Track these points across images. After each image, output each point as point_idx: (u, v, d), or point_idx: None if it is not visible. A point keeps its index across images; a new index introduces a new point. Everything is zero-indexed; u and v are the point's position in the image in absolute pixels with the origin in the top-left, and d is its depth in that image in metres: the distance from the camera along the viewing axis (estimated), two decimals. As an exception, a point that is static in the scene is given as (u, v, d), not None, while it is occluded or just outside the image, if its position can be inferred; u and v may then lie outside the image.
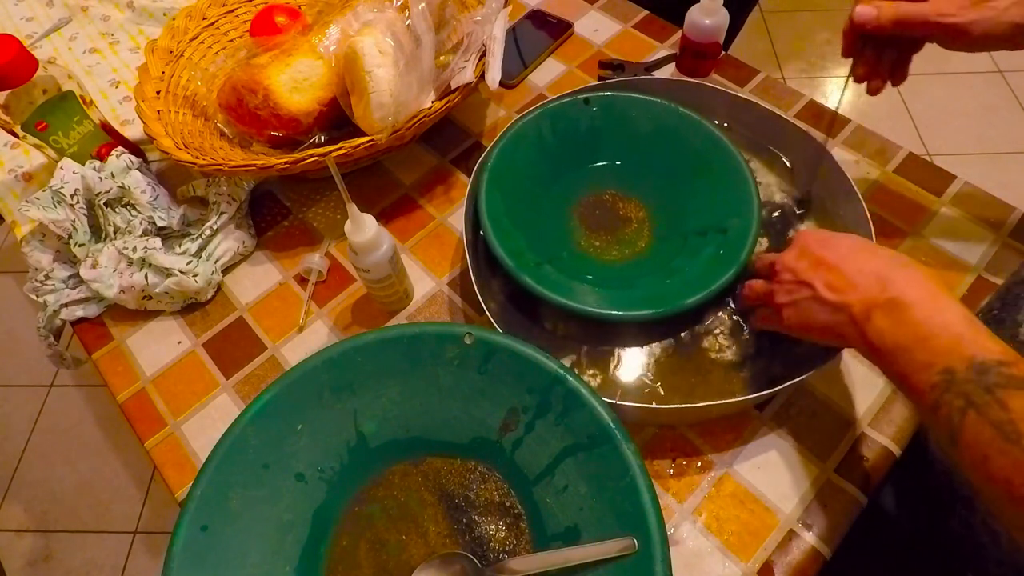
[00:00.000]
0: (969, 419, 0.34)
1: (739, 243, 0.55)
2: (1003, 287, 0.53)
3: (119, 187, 0.62)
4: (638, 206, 0.64)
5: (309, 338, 0.61)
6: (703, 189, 0.61)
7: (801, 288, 0.45)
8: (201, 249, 0.64)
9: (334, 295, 0.64)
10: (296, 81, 0.64)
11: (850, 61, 0.55)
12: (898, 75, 0.55)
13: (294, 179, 0.71)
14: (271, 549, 0.45)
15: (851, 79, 0.56)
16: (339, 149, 0.58)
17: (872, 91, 0.55)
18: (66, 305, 0.63)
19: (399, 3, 0.65)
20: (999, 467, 0.33)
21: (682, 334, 0.56)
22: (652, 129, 0.64)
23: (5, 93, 0.59)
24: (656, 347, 0.55)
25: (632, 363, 0.55)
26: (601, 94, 0.64)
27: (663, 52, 0.78)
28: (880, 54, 0.54)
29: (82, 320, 0.64)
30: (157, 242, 0.61)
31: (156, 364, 0.61)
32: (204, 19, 0.74)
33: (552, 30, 0.81)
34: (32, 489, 1.38)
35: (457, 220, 0.67)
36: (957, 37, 0.48)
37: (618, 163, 0.66)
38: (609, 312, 0.53)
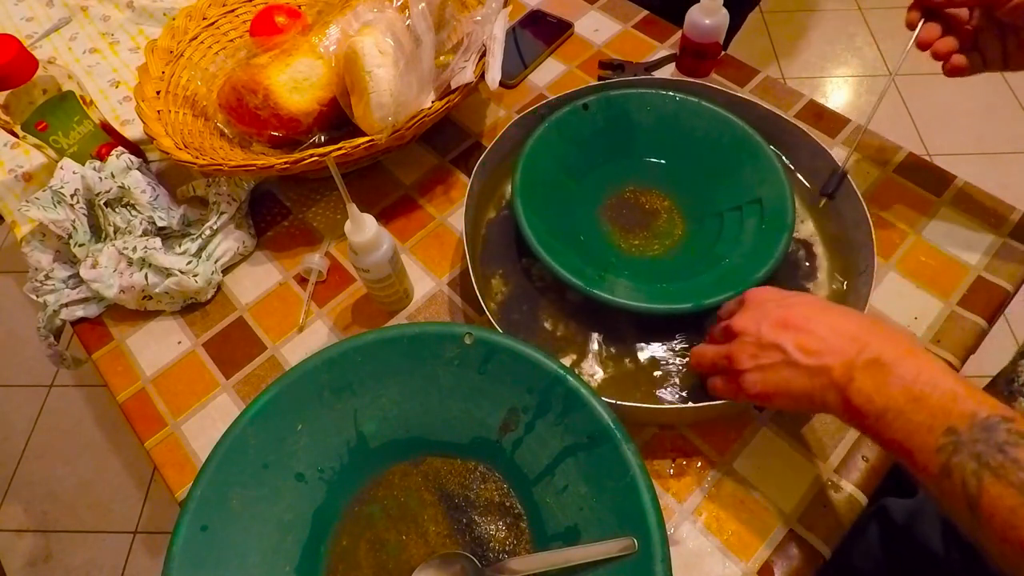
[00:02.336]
0: (987, 484, 0.31)
1: (780, 208, 0.56)
2: None
3: (119, 187, 0.62)
4: (660, 196, 0.64)
5: (309, 338, 0.61)
6: (721, 166, 0.62)
7: (769, 352, 0.41)
8: (201, 249, 0.64)
9: (334, 295, 0.64)
10: (296, 81, 0.64)
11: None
12: (954, 68, 0.51)
13: (294, 179, 0.71)
14: (271, 549, 0.45)
15: (912, 44, 0.53)
16: (339, 149, 0.58)
17: (934, 54, 0.51)
18: (66, 305, 0.63)
19: (399, 3, 0.65)
20: None
21: (678, 334, 0.56)
22: (654, 120, 0.64)
23: (5, 93, 0.59)
24: (655, 347, 0.56)
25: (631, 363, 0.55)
26: (597, 96, 0.64)
27: (663, 52, 0.78)
28: (946, 30, 0.51)
29: (82, 320, 0.64)
30: (157, 242, 0.61)
31: (156, 364, 0.61)
32: (204, 19, 0.74)
33: (552, 30, 0.81)
34: (32, 489, 1.38)
35: (457, 220, 0.67)
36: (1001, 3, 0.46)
37: (629, 159, 0.66)
38: (703, 303, 0.52)
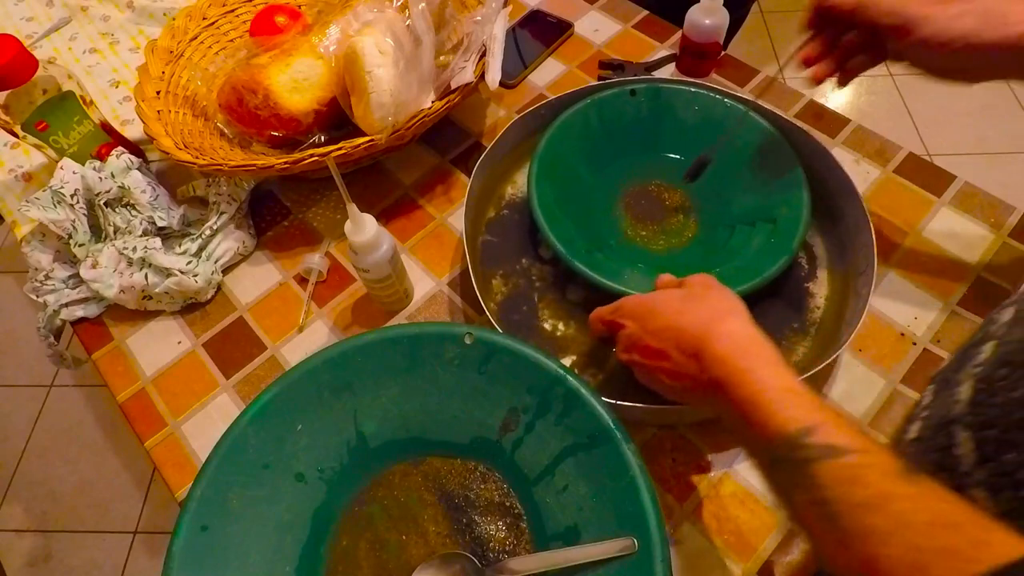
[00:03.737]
0: (798, 499, 0.32)
1: (790, 232, 0.56)
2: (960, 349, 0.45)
3: (119, 187, 0.62)
4: (684, 196, 0.64)
5: (309, 338, 0.61)
6: (750, 179, 0.62)
7: (650, 373, 0.44)
8: (201, 249, 0.64)
9: (334, 295, 0.64)
10: (296, 81, 0.64)
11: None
12: (844, 75, 0.52)
13: (294, 179, 0.71)
14: (271, 549, 0.45)
15: (796, 57, 0.52)
16: (339, 149, 0.58)
17: (814, 78, 0.52)
18: (66, 305, 0.63)
19: (399, 3, 0.65)
20: (830, 551, 0.30)
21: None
22: (698, 120, 0.64)
23: (5, 93, 0.59)
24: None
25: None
26: (647, 84, 0.65)
27: (663, 52, 0.78)
28: (836, 43, 0.51)
29: (82, 320, 0.64)
30: (157, 242, 0.61)
31: (156, 364, 0.61)
32: (204, 19, 0.74)
33: (552, 30, 0.81)
34: (32, 489, 1.38)
35: (457, 220, 0.67)
36: (906, 33, 0.44)
37: (663, 154, 0.66)
38: None
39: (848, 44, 0.51)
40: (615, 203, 0.64)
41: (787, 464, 0.33)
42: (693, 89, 0.65)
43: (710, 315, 0.40)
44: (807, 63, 0.52)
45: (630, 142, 0.66)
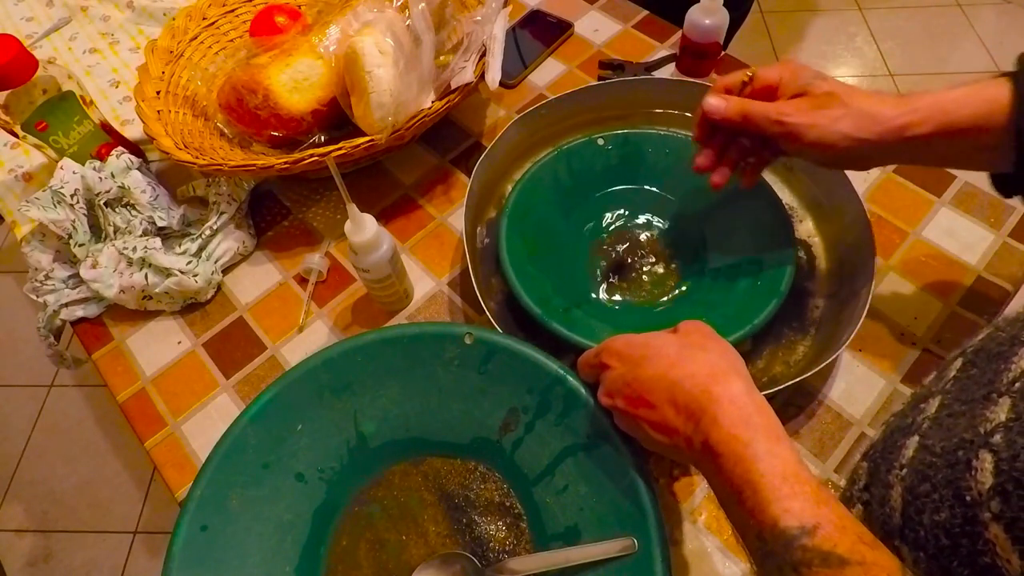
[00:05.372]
0: None
1: (778, 272, 0.54)
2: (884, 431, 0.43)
3: (119, 187, 0.62)
4: (662, 242, 0.62)
5: (309, 338, 0.61)
6: (730, 220, 0.60)
7: (630, 422, 0.41)
8: (201, 249, 0.64)
9: (334, 295, 0.64)
10: (296, 81, 0.64)
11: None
12: (747, 177, 0.53)
13: (294, 179, 0.71)
14: (271, 549, 0.45)
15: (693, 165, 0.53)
16: (339, 149, 0.58)
17: (712, 184, 0.52)
18: (66, 305, 0.63)
19: (399, 3, 0.65)
20: None
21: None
22: (670, 164, 0.62)
23: (5, 93, 0.59)
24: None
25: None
26: (615, 132, 0.63)
27: (663, 52, 0.78)
28: (728, 148, 0.52)
29: (82, 320, 0.64)
30: (157, 242, 0.61)
31: (156, 364, 0.61)
32: (204, 19, 0.74)
33: (552, 30, 0.81)
34: (32, 489, 1.38)
35: (457, 220, 0.67)
36: (794, 140, 0.46)
37: (639, 201, 0.64)
38: None
39: (741, 146, 0.52)
40: (592, 255, 0.62)
41: (779, 561, 0.31)
42: (662, 132, 0.63)
43: (710, 371, 0.37)
44: (700, 171, 0.53)
45: (604, 190, 0.64)
